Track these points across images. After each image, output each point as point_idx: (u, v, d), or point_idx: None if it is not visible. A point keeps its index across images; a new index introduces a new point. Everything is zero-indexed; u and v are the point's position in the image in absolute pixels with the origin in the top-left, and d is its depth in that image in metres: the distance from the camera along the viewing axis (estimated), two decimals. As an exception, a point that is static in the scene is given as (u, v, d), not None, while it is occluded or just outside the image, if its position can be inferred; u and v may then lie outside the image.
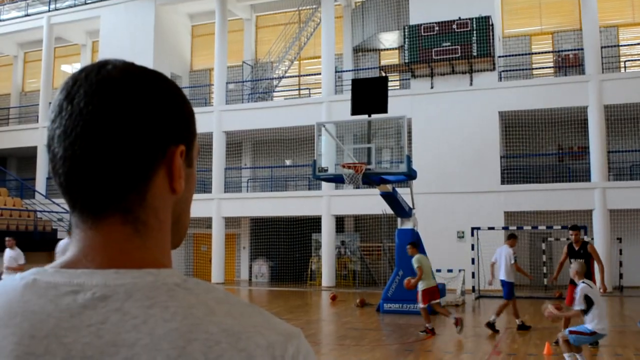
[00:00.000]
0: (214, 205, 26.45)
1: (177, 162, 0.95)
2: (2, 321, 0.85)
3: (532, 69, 25.94)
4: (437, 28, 23.58)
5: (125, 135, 0.89)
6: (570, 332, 8.56)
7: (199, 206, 25.87)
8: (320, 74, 26.71)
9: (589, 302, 8.41)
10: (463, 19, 23.29)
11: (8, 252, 13.71)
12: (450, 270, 19.79)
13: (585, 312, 8.38)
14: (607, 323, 8.77)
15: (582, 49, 24.18)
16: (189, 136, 0.99)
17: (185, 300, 0.86)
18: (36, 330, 0.83)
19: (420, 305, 12.66)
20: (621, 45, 25.11)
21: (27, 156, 32.15)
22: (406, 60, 24.04)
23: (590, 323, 8.43)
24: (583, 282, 8.61)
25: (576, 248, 11.83)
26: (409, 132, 22.66)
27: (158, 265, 0.92)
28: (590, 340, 8.77)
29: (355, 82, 16.60)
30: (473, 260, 19.83)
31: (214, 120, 26.86)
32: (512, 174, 24.26)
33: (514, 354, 10.25)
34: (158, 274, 0.88)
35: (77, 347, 0.81)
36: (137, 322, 0.82)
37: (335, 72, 26.56)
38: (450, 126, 23.27)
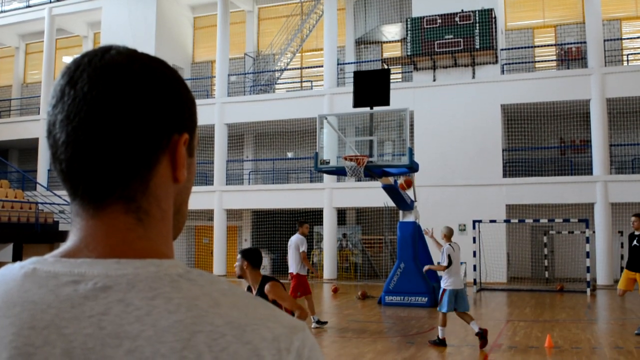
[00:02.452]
0: (215, 198, 26.47)
1: (181, 150, 0.93)
2: (1, 311, 0.83)
3: (535, 62, 25.89)
4: (439, 20, 23.52)
5: (131, 121, 0.87)
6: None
7: (201, 198, 25.89)
8: (322, 66, 26.67)
9: (449, 261, 10.50)
10: (466, 12, 23.23)
11: None
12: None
13: (447, 267, 10.50)
14: (460, 280, 10.73)
15: (584, 42, 24.13)
16: (192, 125, 0.97)
17: (189, 291, 0.84)
18: (36, 320, 0.81)
19: None
20: (624, 39, 25.04)
21: (28, 148, 32.16)
22: (408, 53, 23.99)
23: (445, 281, 10.48)
24: (448, 244, 10.71)
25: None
26: (411, 125, 22.59)
27: (160, 255, 0.90)
28: (449, 297, 10.34)
29: (358, 75, 16.57)
30: (475, 253, 19.84)
31: (215, 113, 26.84)
32: (514, 167, 24.25)
33: (515, 347, 10.26)
34: (161, 265, 0.86)
35: (78, 338, 0.79)
36: (140, 314, 0.80)
37: (338, 64, 26.51)
38: (453, 119, 23.24)
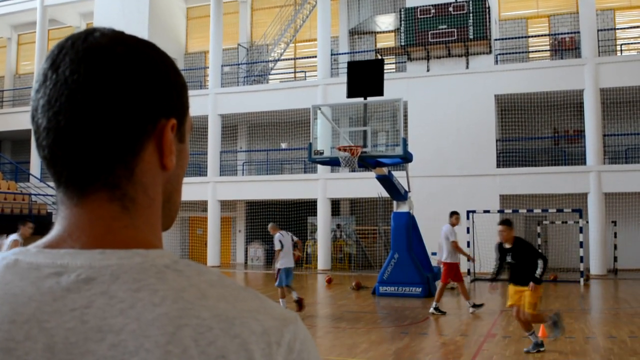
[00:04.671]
0: (209, 189, 26.43)
1: (168, 136, 0.90)
2: None
3: (529, 52, 25.88)
4: (433, 10, 23.46)
5: (113, 105, 0.84)
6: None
7: (195, 189, 25.84)
8: (316, 56, 26.59)
9: (281, 245, 12.92)
10: (459, 2, 23.16)
11: None
12: (445, 254, 19.81)
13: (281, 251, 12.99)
14: (291, 261, 13.01)
15: (578, 32, 24.11)
16: (181, 110, 0.93)
17: (176, 283, 0.81)
18: (17, 314, 0.78)
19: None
20: (617, 29, 25.04)
21: (21, 139, 32.02)
22: (402, 43, 23.93)
23: (280, 262, 12.90)
24: (279, 233, 13.16)
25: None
26: (405, 115, 22.61)
27: (147, 245, 0.87)
28: (283, 276, 12.89)
29: (351, 65, 16.52)
30: (468, 243, 19.86)
31: (209, 103, 26.76)
32: (507, 157, 24.26)
33: (509, 337, 10.28)
34: (147, 255, 0.83)
35: (60, 332, 0.76)
36: (124, 307, 0.77)
37: (331, 54, 26.44)
38: (447, 109, 23.22)
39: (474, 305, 13.12)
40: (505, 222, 9.40)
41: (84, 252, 0.83)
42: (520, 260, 9.23)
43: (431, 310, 12.99)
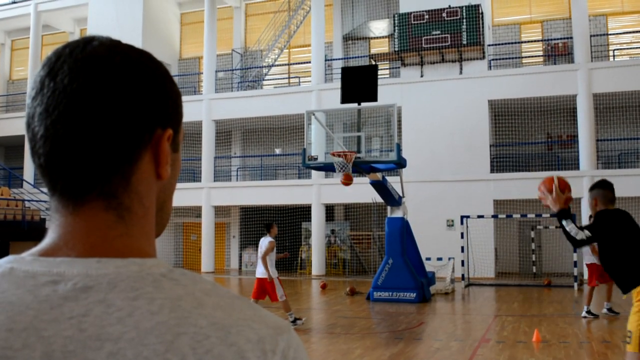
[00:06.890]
0: (203, 194, 26.39)
1: (165, 146, 0.90)
2: None
3: (522, 57, 25.97)
4: (427, 16, 23.53)
5: (112, 115, 0.84)
6: None
7: (189, 195, 25.81)
8: (310, 62, 26.63)
9: None
10: (453, 7, 23.24)
11: None
12: (439, 259, 19.86)
13: None
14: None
15: (571, 38, 24.22)
16: (176, 119, 0.94)
17: (172, 291, 0.81)
18: (14, 322, 0.77)
19: None
20: (610, 34, 25.15)
21: (15, 145, 31.96)
22: (396, 49, 23.98)
23: None
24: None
25: None
26: (399, 121, 22.65)
27: (143, 254, 0.87)
28: None
29: (345, 71, 16.54)
30: (462, 248, 19.89)
31: (203, 109, 26.76)
32: (501, 162, 24.32)
33: (503, 342, 10.29)
34: (143, 264, 0.84)
35: (58, 340, 0.76)
36: (122, 315, 0.77)
37: (325, 60, 26.48)
38: (440, 115, 23.28)
39: (589, 312, 12.99)
40: None
41: (80, 260, 0.83)
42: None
43: (583, 314, 13.00)
